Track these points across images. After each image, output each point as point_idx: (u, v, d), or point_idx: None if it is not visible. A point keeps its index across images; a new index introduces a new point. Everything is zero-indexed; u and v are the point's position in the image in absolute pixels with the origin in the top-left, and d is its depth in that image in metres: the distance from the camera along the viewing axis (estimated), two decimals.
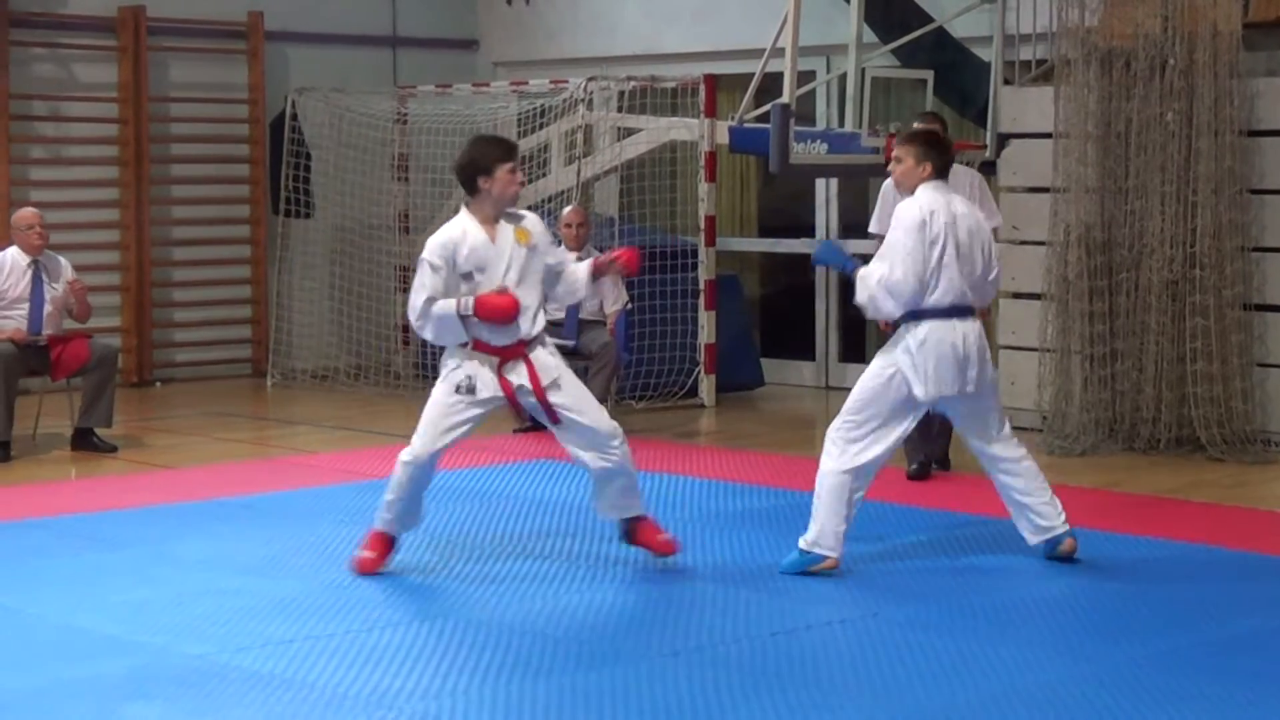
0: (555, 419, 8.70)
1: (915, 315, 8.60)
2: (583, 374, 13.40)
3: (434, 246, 8.63)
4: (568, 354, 13.42)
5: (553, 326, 13.23)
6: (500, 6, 18.20)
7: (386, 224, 16.73)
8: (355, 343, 16.57)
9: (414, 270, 16.69)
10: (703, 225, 14.90)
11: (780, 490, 10.89)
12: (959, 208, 8.73)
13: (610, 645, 7.47)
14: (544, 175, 15.68)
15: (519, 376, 8.59)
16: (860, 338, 16.28)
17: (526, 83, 15.99)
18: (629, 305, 13.38)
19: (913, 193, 8.71)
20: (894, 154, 8.87)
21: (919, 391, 8.59)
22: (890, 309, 8.64)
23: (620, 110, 15.50)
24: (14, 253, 12.57)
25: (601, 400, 13.12)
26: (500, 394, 8.60)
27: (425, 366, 16.01)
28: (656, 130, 15.10)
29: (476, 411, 8.63)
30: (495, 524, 9.96)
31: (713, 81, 14.79)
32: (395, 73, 17.94)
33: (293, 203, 16.58)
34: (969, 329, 8.66)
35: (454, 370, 8.62)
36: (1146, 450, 12.35)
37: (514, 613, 7.99)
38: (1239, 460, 12.04)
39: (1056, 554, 8.87)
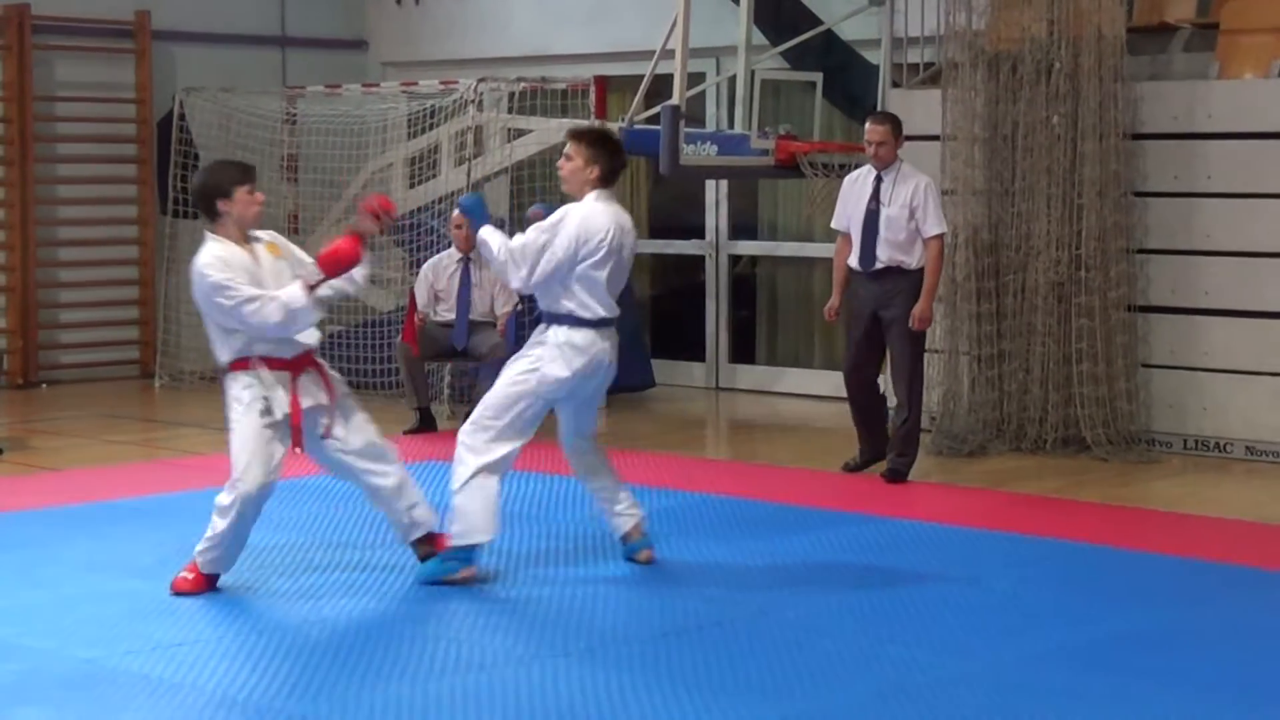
0: (298, 441, 8.39)
1: (568, 320, 8.69)
2: (474, 375, 13.42)
3: (216, 264, 8.18)
4: (459, 356, 13.46)
5: (443, 328, 13.30)
6: (389, 7, 18.15)
7: (276, 225, 16.55)
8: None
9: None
10: None
11: (670, 491, 10.91)
12: (624, 221, 8.81)
13: (501, 647, 7.47)
14: (434, 176, 15.64)
15: (312, 395, 8.31)
16: (750, 339, 16.34)
17: (416, 83, 15.96)
18: (520, 306, 13.37)
19: (580, 195, 8.72)
20: (565, 150, 8.79)
21: (553, 388, 8.68)
22: (509, 278, 8.72)
23: (510, 111, 15.47)
24: None
25: None
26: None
27: None
28: (547, 131, 15.08)
29: (281, 435, 8.31)
30: (382, 525, 9.92)
31: (603, 83, 14.81)
32: (284, 73, 17.85)
33: (181, 203, 16.45)
34: (612, 339, 8.90)
35: (249, 395, 8.23)
36: (1033, 450, 12.46)
37: (402, 615, 7.99)
38: (1124, 460, 12.17)
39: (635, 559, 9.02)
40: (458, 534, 8.52)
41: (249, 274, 8.24)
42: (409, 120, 15.89)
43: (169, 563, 8.91)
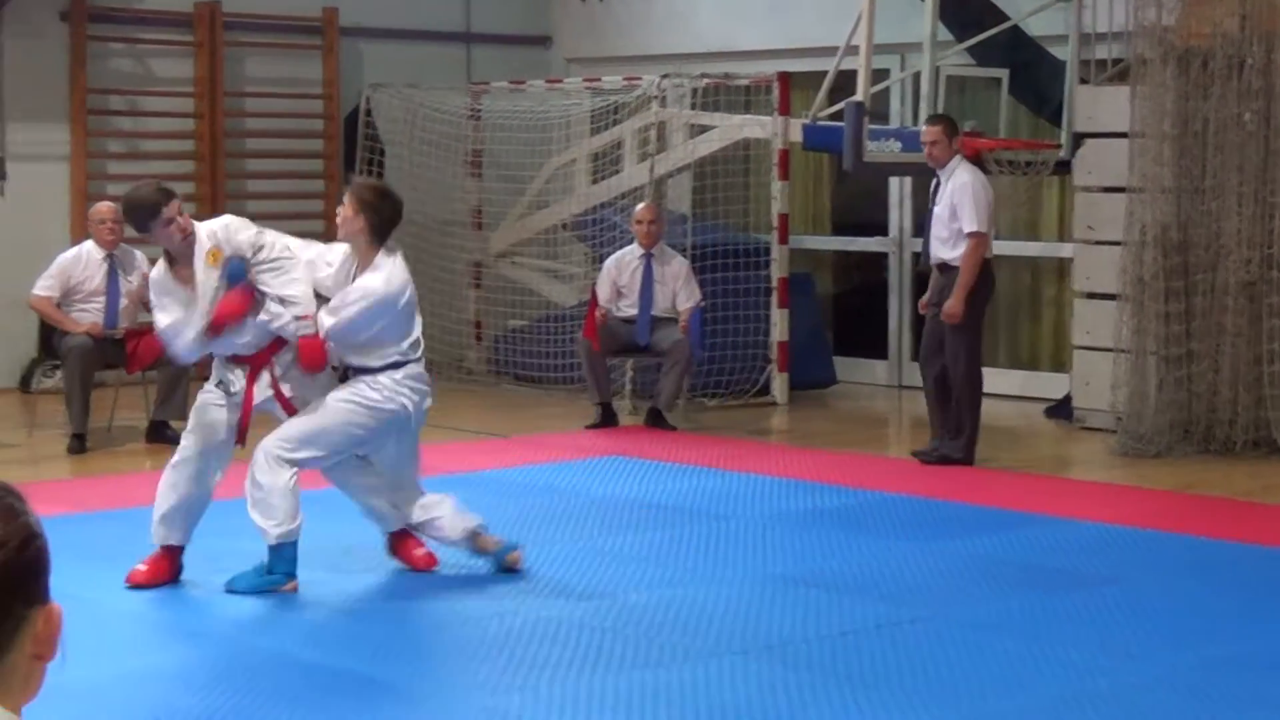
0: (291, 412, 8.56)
1: (396, 365, 8.59)
2: (655, 371, 13.44)
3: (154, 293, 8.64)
4: (640, 351, 13.48)
5: (625, 323, 13.32)
6: (574, 3, 18.21)
7: (460, 220, 16.77)
8: (428, 338, 16.44)
9: (486, 266, 16.78)
10: (776, 223, 14.87)
11: (852, 489, 10.86)
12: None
13: (679, 643, 7.46)
14: (616, 172, 15.68)
15: (263, 388, 8.54)
16: None
17: (600, 79, 16.00)
18: (702, 303, 13.37)
19: (356, 241, 8.58)
20: (342, 200, 8.77)
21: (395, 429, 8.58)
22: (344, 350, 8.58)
23: (694, 107, 15.48)
24: (90, 246, 12.66)
25: (674, 398, 13.18)
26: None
27: (498, 362, 16.07)
28: (730, 128, 15.09)
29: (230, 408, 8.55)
30: (564, 520, 9.97)
31: (786, 79, 14.76)
32: (469, 69, 17.97)
33: None
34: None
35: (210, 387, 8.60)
36: (1222, 452, 12.27)
37: (582, 608, 8.00)
38: None
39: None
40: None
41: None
42: (592, 116, 15.94)
43: (352, 553, 9.00)
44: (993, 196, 11.71)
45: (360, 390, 8.49)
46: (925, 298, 12.02)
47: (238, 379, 8.54)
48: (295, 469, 8.42)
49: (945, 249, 11.59)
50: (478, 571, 8.67)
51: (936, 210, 11.65)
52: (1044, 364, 15.29)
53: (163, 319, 8.61)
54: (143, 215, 8.50)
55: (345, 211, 8.64)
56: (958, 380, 11.72)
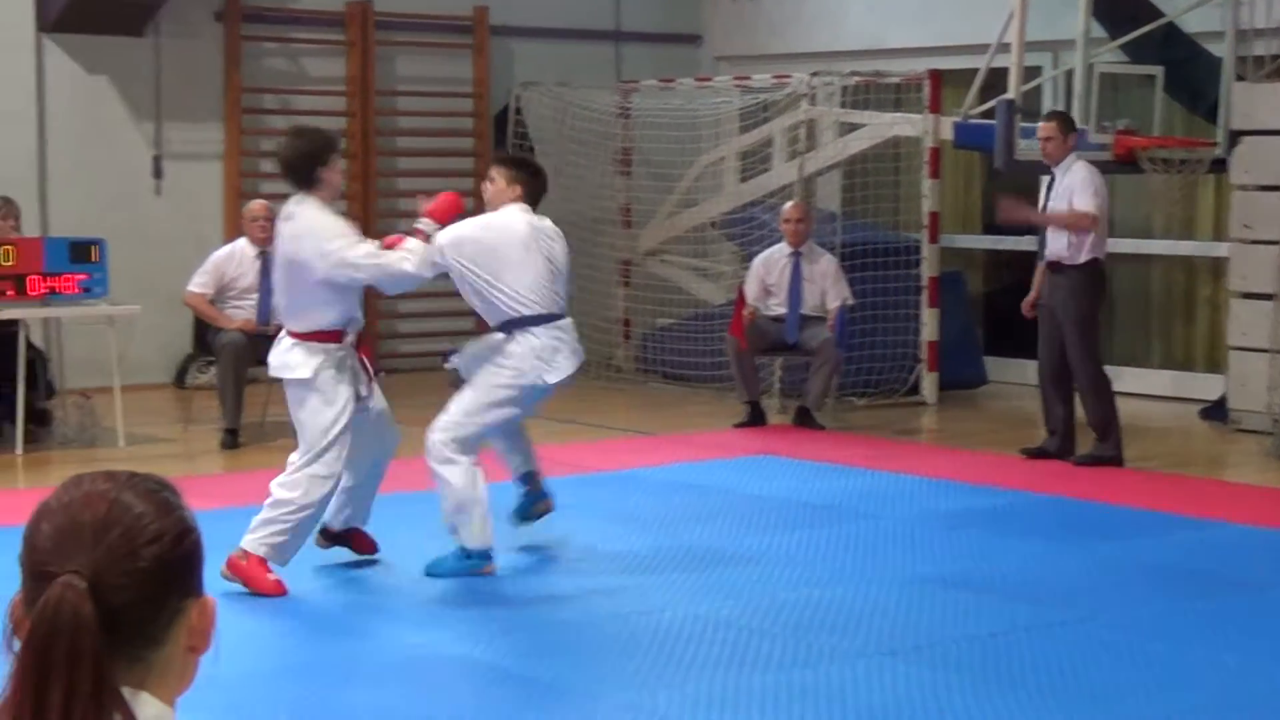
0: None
1: (522, 323, 8.85)
2: (804, 370, 13.40)
3: (336, 229, 8.46)
4: (789, 350, 13.44)
5: (774, 322, 13.28)
6: (724, 1, 18.20)
7: (609, 218, 16.80)
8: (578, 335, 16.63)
9: (635, 264, 16.80)
10: (926, 221, 14.79)
11: (1001, 490, 10.78)
12: (546, 226, 8.98)
13: (826, 643, 7.43)
14: (765, 170, 15.64)
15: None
16: None
17: (749, 78, 15.98)
18: (850, 302, 13.31)
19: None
20: (488, 174, 8.99)
21: (551, 379, 8.76)
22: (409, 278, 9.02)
23: (843, 105, 15.42)
24: (243, 244, 12.80)
25: (823, 396, 13.15)
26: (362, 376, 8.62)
27: (646, 360, 16.08)
28: (880, 126, 15.02)
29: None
30: (711, 518, 9.95)
31: (937, 77, 14.68)
32: (618, 67, 18.00)
33: None
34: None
35: (333, 374, 8.49)
36: None
37: (729, 606, 7.98)
38: None
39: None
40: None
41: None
42: (741, 114, 15.93)
43: (497, 550, 9.02)
44: (1109, 195, 11.62)
45: (499, 357, 8.82)
46: (1030, 298, 11.95)
47: (360, 368, 8.63)
48: (466, 453, 8.60)
49: (1061, 245, 11.56)
50: (627, 569, 8.68)
51: (1053, 205, 11.61)
52: (1199, 365, 15.10)
53: (364, 248, 8.52)
54: (331, 144, 8.56)
55: (496, 185, 8.92)
56: (1084, 383, 11.64)
